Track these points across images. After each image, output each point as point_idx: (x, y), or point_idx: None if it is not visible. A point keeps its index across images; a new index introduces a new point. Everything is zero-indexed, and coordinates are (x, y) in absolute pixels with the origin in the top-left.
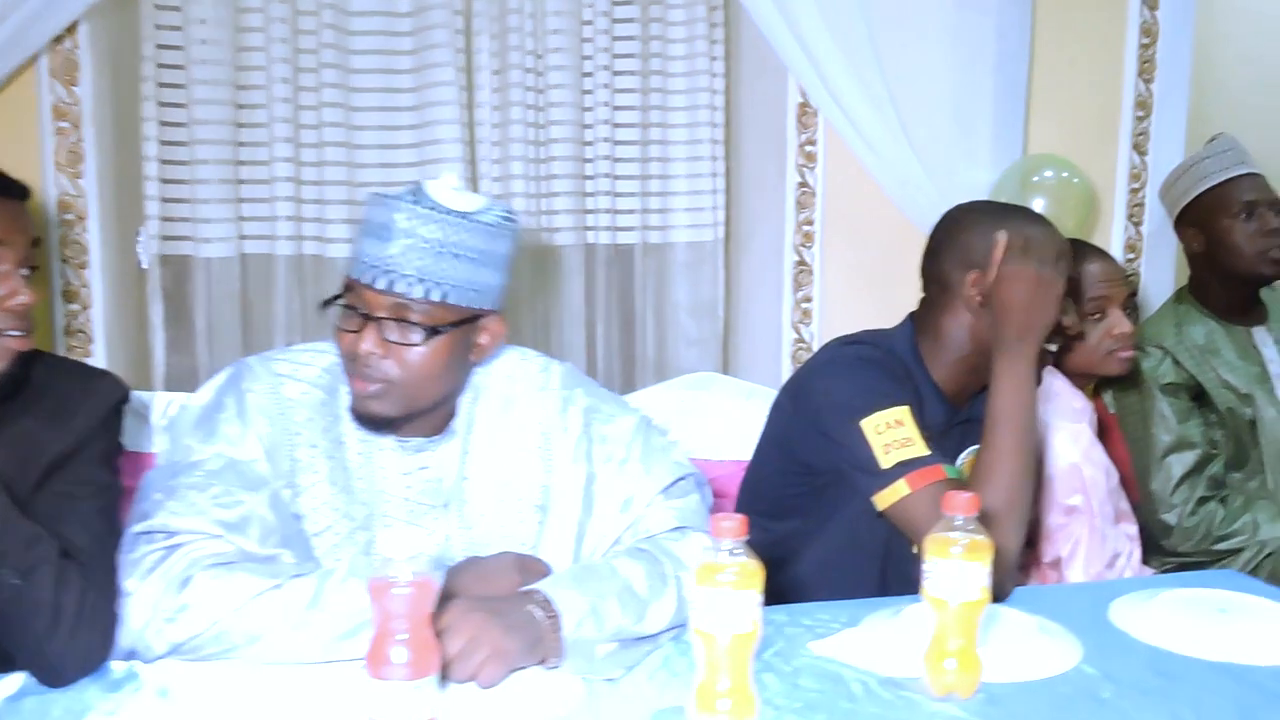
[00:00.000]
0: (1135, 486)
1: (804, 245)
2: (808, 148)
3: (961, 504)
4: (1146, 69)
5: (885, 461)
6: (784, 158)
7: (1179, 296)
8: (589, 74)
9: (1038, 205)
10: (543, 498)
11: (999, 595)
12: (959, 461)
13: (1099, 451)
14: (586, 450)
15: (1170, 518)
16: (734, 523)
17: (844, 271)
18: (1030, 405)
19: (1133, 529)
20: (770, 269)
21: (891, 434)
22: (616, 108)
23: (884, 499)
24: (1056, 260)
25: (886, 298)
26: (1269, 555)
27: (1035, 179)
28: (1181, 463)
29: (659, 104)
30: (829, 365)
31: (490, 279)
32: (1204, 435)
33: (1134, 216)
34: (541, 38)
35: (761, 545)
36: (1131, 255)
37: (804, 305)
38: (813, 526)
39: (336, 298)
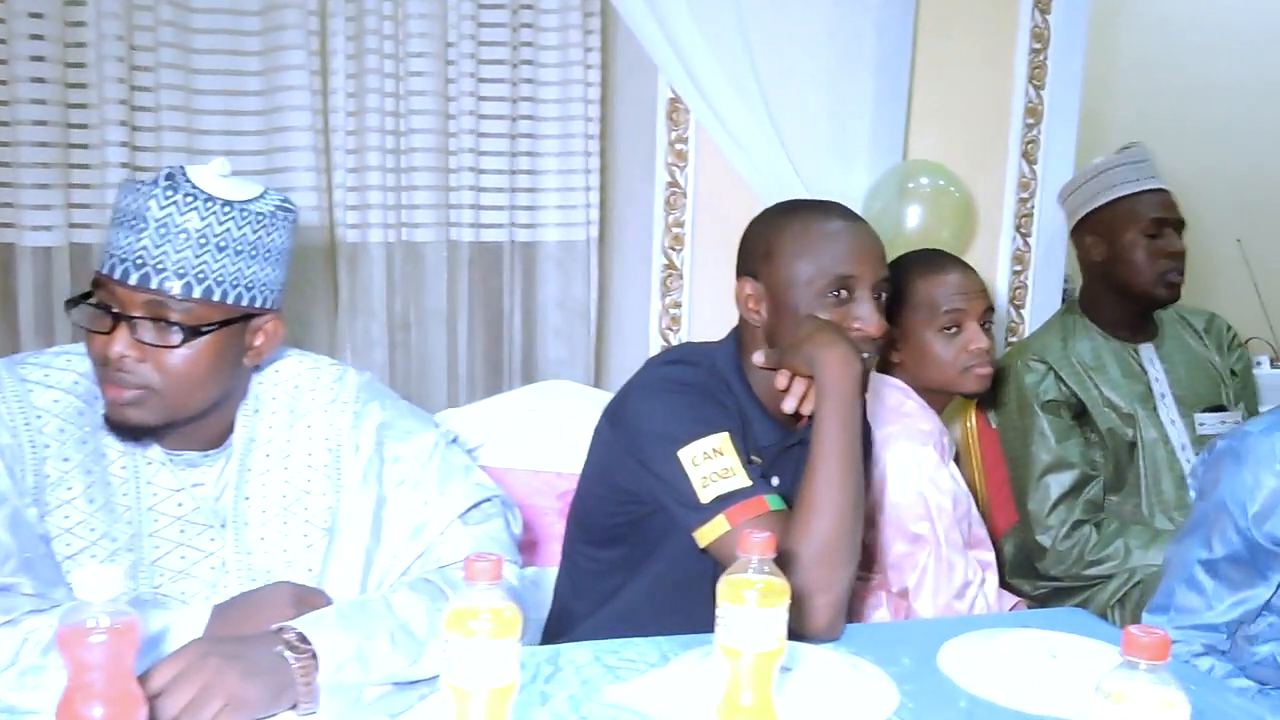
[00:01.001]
0: (1014, 505)
1: (673, 248)
2: (678, 146)
3: (757, 545)
4: (1037, 75)
5: (704, 495)
6: (653, 156)
7: (1068, 308)
8: (453, 62)
9: (914, 213)
10: (330, 521)
11: (830, 636)
12: None
13: (946, 475)
14: (377, 471)
15: (1045, 539)
16: (488, 564)
17: (714, 276)
18: (853, 440)
19: (988, 555)
20: (640, 272)
21: (710, 465)
22: (482, 98)
23: (704, 535)
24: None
25: None
26: (1137, 583)
27: (911, 185)
28: (1059, 483)
29: (529, 95)
30: (645, 389)
31: (264, 274)
32: (1084, 455)
33: (1022, 228)
34: (402, 22)
35: (588, 575)
36: (1019, 267)
37: (673, 311)
38: (640, 555)
39: (85, 296)
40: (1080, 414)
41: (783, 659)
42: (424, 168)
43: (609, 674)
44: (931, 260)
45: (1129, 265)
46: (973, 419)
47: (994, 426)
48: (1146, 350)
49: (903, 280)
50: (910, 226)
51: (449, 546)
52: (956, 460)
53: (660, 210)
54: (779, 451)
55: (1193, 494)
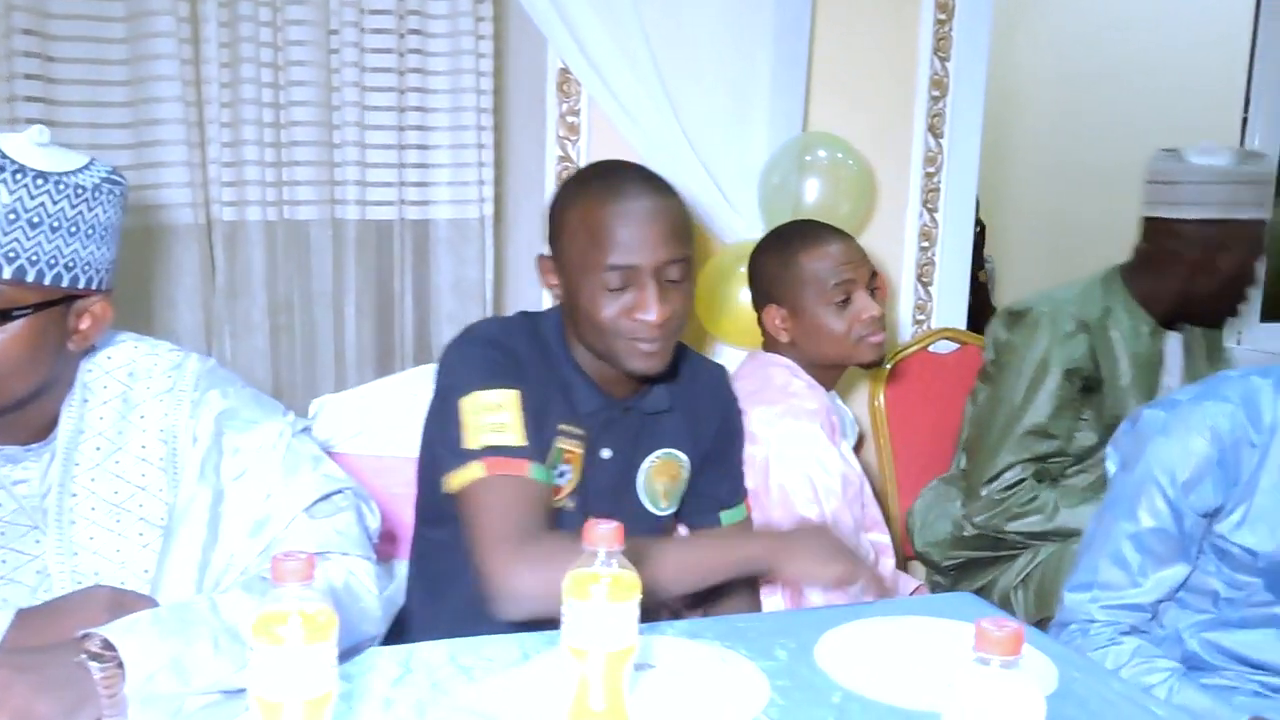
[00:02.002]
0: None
1: None
2: (569, 118)
3: (604, 536)
4: (942, 46)
5: (471, 441)
6: (544, 129)
7: (1113, 278)
8: (335, 31)
9: (812, 187)
10: (167, 519)
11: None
12: (646, 464)
13: (834, 455)
14: (215, 463)
15: (984, 489)
16: (298, 563)
17: None
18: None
19: (883, 538)
20: (533, 250)
21: (488, 416)
22: (367, 69)
23: (456, 479)
24: None
25: None
26: (1039, 564)
27: (809, 159)
28: (1030, 448)
29: (418, 66)
30: (450, 343)
31: (88, 253)
32: (1068, 432)
33: (929, 202)
34: None
35: (424, 558)
36: (926, 243)
37: None
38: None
39: None
40: (1089, 390)
41: (639, 656)
42: (306, 142)
43: (463, 675)
44: (809, 233)
45: (1221, 289)
46: (881, 396)
47: (990, 356)
48: (1173, 341)
49: (783, 256)
50: (809, 200)
51: (293, 541)
52: (862, 439)
53: (552, 186)
54: (606, 419)
55: (1112, 466)
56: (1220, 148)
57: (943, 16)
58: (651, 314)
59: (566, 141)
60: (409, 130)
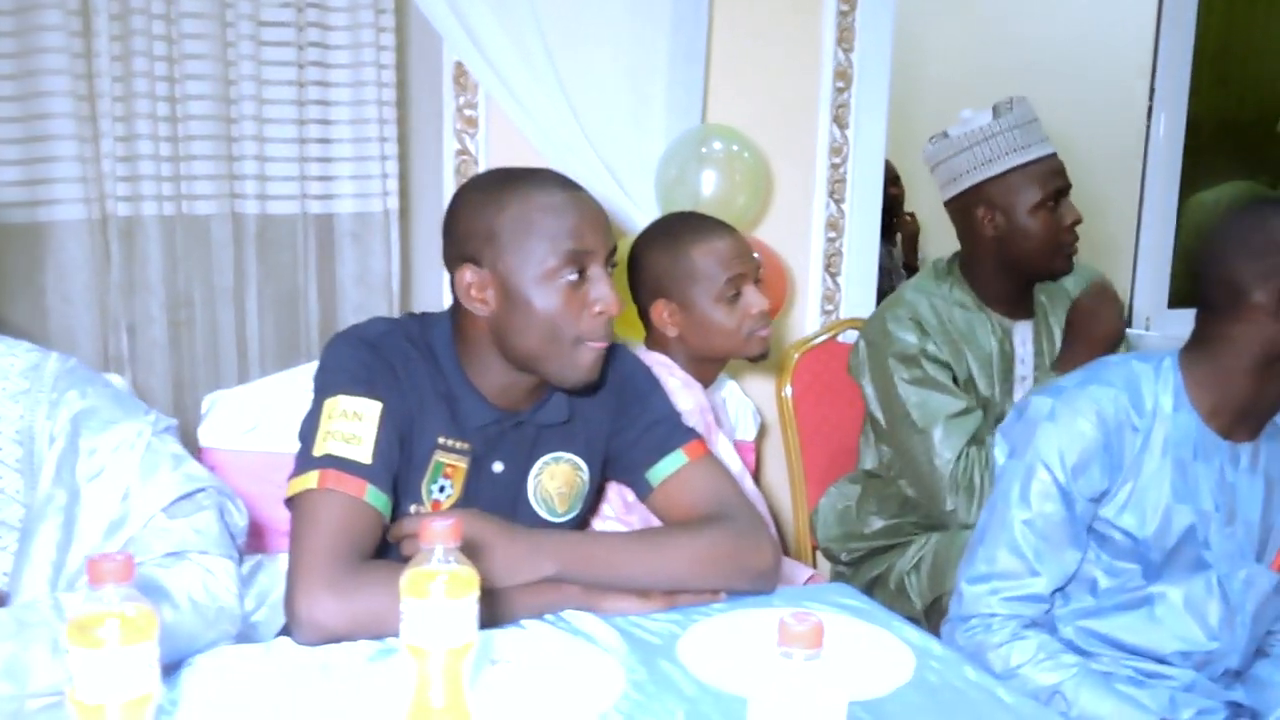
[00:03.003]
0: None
1: None
2: (467, 111)
3: (440, 533)
4: (846, 37)
5: (319, 448)
6: (442, 122)
7: (946, 270)
8: (231, 24)
9: (709, 179)
10: (24, 522)
11: None
12: (535, 472)
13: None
14: (72, 464)
15: (948, 494)
16: (115, 564)
17: None
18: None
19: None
20: (435, 244)
21: (344, 424)
22: (264, 63)
23: (292, 485)
24: None
25: None
26: (930, 549)
27: (704, 150)
28: (963, 429)
29: (318, 60)
30: (333, 339)
31: None
32: (970, 401)
33: (835, 193)
34: None
35: None
36: (834, 234)
37: None
38: None
39: None
40: (953, 378)
41: (493, 653)
42: (203, 136)
43: (321, 674)
44: (699, 227)
45: (1031, 240)
46: (789, 387)
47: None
48: (1022, 330)
49: (673, 251)
50: (706, 193)
51: (150, 541)
52: (764, 431)
53: (451, 179)
54: (497, 433)
55: (1001, 455)
56: (977, 112)
57: (845, 8)
58: (613, 303)
59: (465, 135)
60: (310, 124)
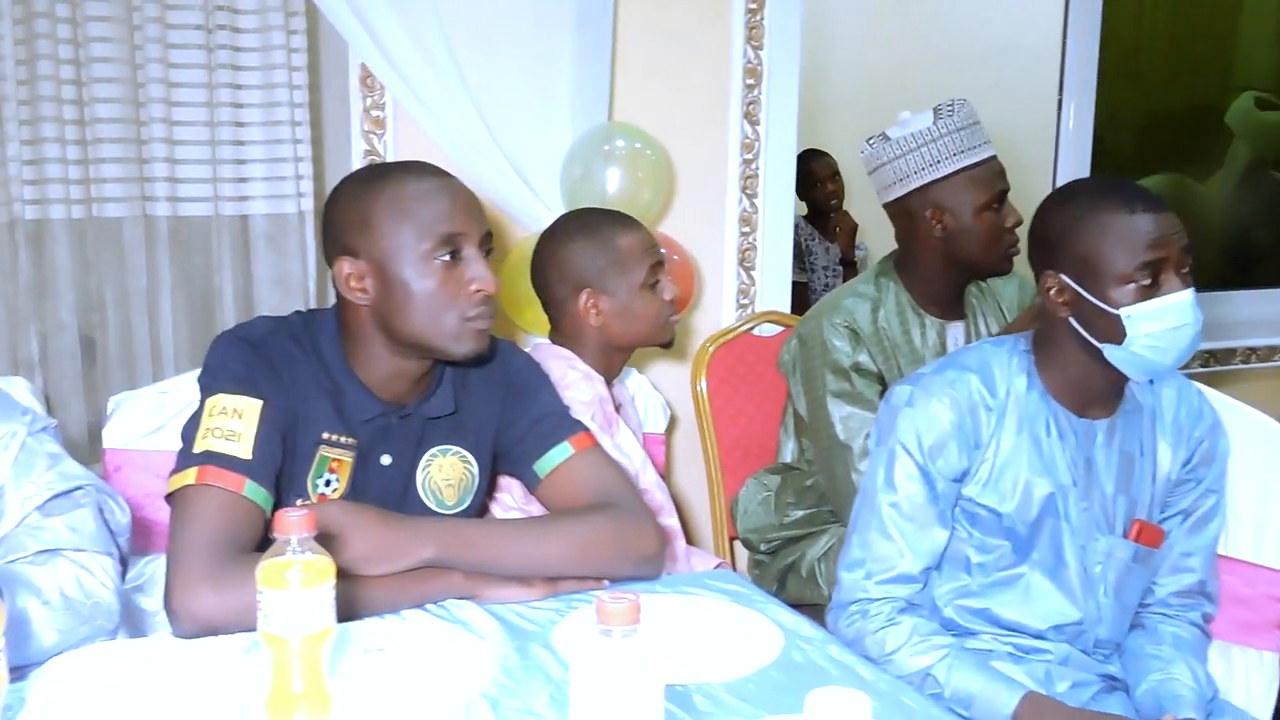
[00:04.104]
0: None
1: None
2: (374, 113)
3: (294, 524)
4: (755, 35)
5: (198, 445)
6: (349, 123)
7: (882, 270)
8: (139, 27)
9: (613, 176)
10: None
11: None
12: (423, 464)
13: (607, 444)
14: None
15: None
16: None
17: None
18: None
19: (670, 521)
20: None
21: (223, 422)
22: (173, 65)
23: (172, 482)
24: None
25: None
26: (837, 539)
27: (607, 148)
28: None
29: (228, 62)
30: (216, 339)
31: None
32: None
33: (748, 189)
34: None
35: None
36: (747, 229)
37: None
38: None
39: None
40: (882, 388)
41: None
42: (111, 139)
43: (197, 667)
44: (615, 219)
45: (977, 241)
46: (703, 381)
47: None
48: (955, 330)
49: (597, 242)
50: (611, 190)
51: (24, 539)
52: (674, 423)
53: None
54: (384, 426)
55: (871, 444)
56: (916, 115)
57: (754, 6)
58: (487, 281)
59: (372, 135)
60: (222, 125)
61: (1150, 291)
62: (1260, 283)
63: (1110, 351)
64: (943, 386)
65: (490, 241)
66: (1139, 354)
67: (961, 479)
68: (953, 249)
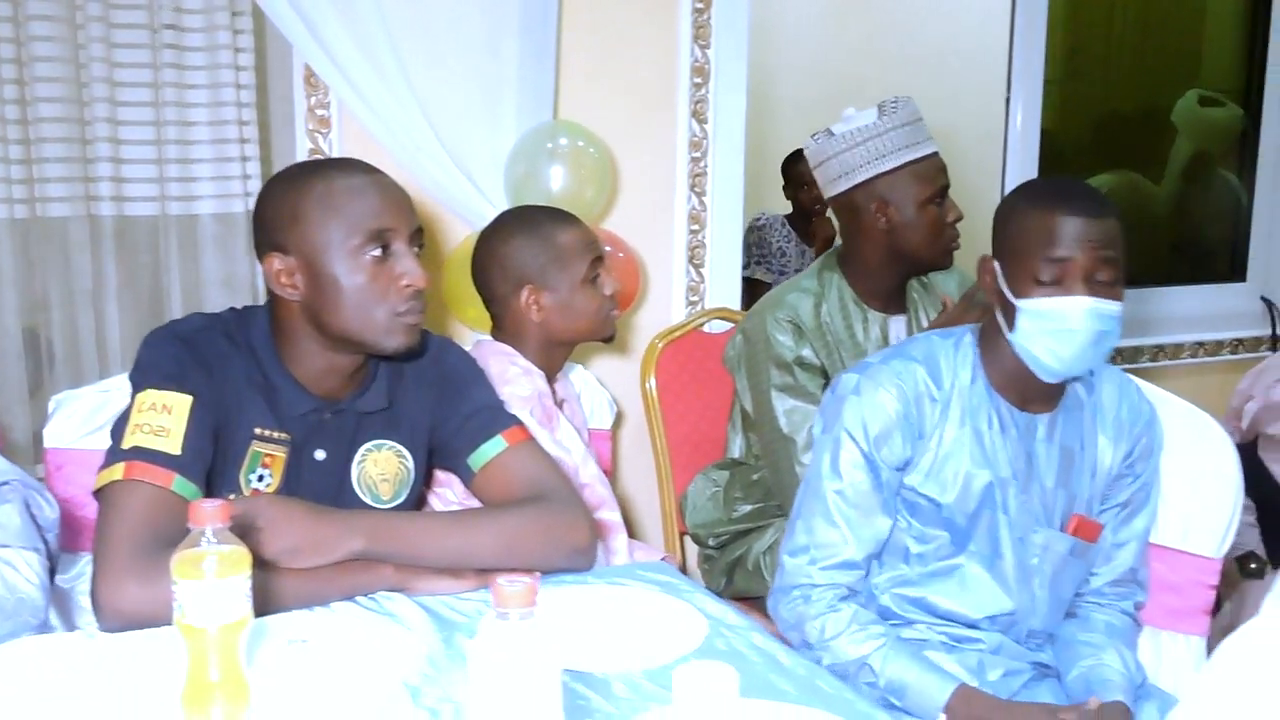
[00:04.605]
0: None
1: None
2: (319, 111)
3: (209, 514)
4: (702, 34)
5: (127, 441)
6: (295, 122)
7: (826, 265)
8: (81, 26)
9: (557, 174)
10: None
11: None
12: (358, 459)
13: (545, 439)
14: None
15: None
16: None
17: None
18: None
19: (612, 515)
20: None
21: (152, 417)
22: (117, 64)
23: (100, 477)
24: None
25: None
26: (779, 537)
27: (550, 146)
28: None
29: (174, 62)
30: (148, 335)
31: None
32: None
33: (696, 186)
34: None
35: None
36: (696, 226)
37: None
38: None
39: None
40: (825, 382)
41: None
42: (54, 139)
43: (123, 661)
44: (556, 216)
45: (919, 235)
46: (653, 378)
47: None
48: (897, 324)
49: (537, 237)
50: (555, 188)
51: None
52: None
53: None
54: (317, 421)
55: (817, 431)
56: (861, 111)
57: (700, 5)
58: (418, 276)
59: (317, 134)
60: (168, 124)
61: (1051, 290)
62: (1206, 278)
63: (1011, 341)
64: (889, 376)
65: (421, 238)
66: (1027, 349)
67: (904, 468)
68: (896, 242)
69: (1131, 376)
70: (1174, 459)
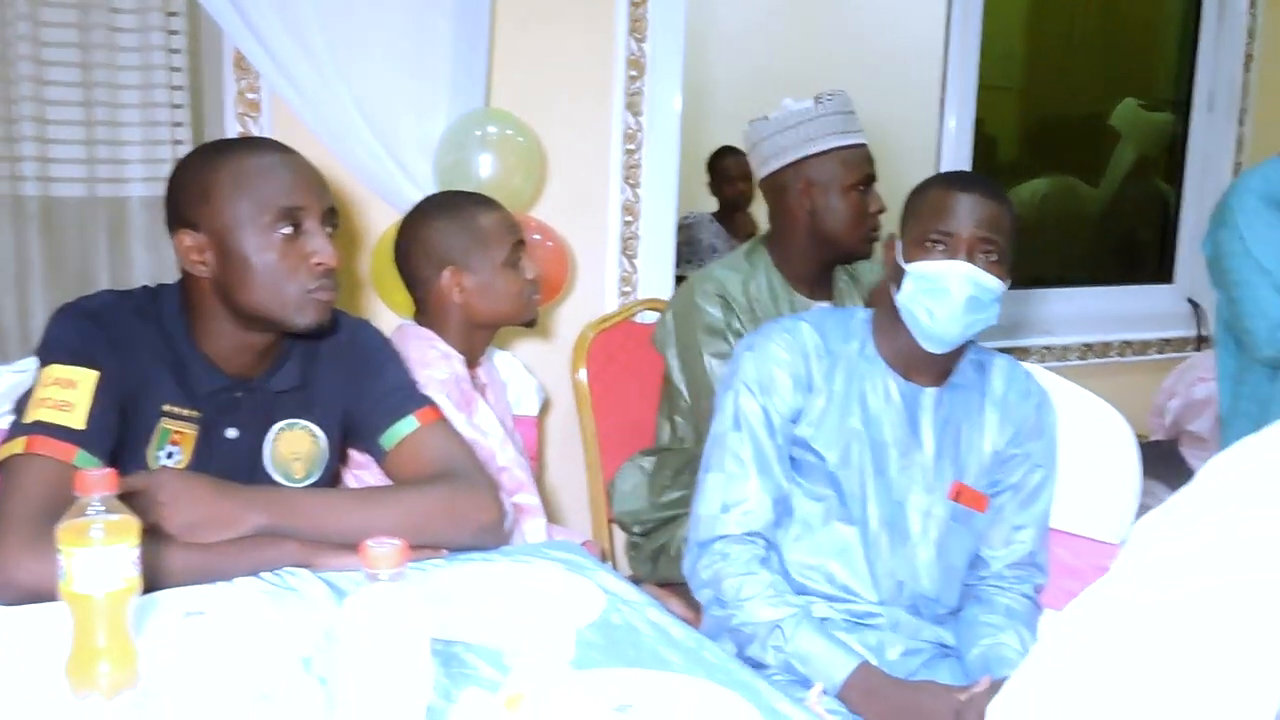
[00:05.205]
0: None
1: None
2: (249, 95)
3: (96, 482)
4: (638, 28)
5: (30, 415)
6: (224, 106)
7: (753, 248)
8: (8, 3)
9: (486, 162)
10: None
11: None
12: (270, 438)
13: (461, 422)
14: None
15: None
16: None
17: None
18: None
19: (530, 499)
20: None
21: (56, 392)
22: (44, 44)
23: (1, 451)
24: None
25: None
26: None
27: (479, 134)
28: None
29: (103, 42)
30: (56, 310)
31: None
32: None
33: (630, 178)
34: None
35: None
36: (630, 218)
37: None
38: None
39: None
40: None
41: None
42: None
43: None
44: (477, 200)
45: (840, 220)
46: (583, 369)
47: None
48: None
49: (459, 220)
50: (485, 175)
51: None
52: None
53: None
54: (229, 400)
55: (721, 390)
56: (798, 100)
57: (636, 0)
58: (329, 255)
59: (247, 118)
60: (97, 105)
61: (936, 256)
62: (1137, 279)
63: (898, 305)
64: (779, 333)
65: (335, 218)
66: (908, 309)
67: (797, 420)
68: (818, 225)
69: (1020, 363)
70: (1074, 446)
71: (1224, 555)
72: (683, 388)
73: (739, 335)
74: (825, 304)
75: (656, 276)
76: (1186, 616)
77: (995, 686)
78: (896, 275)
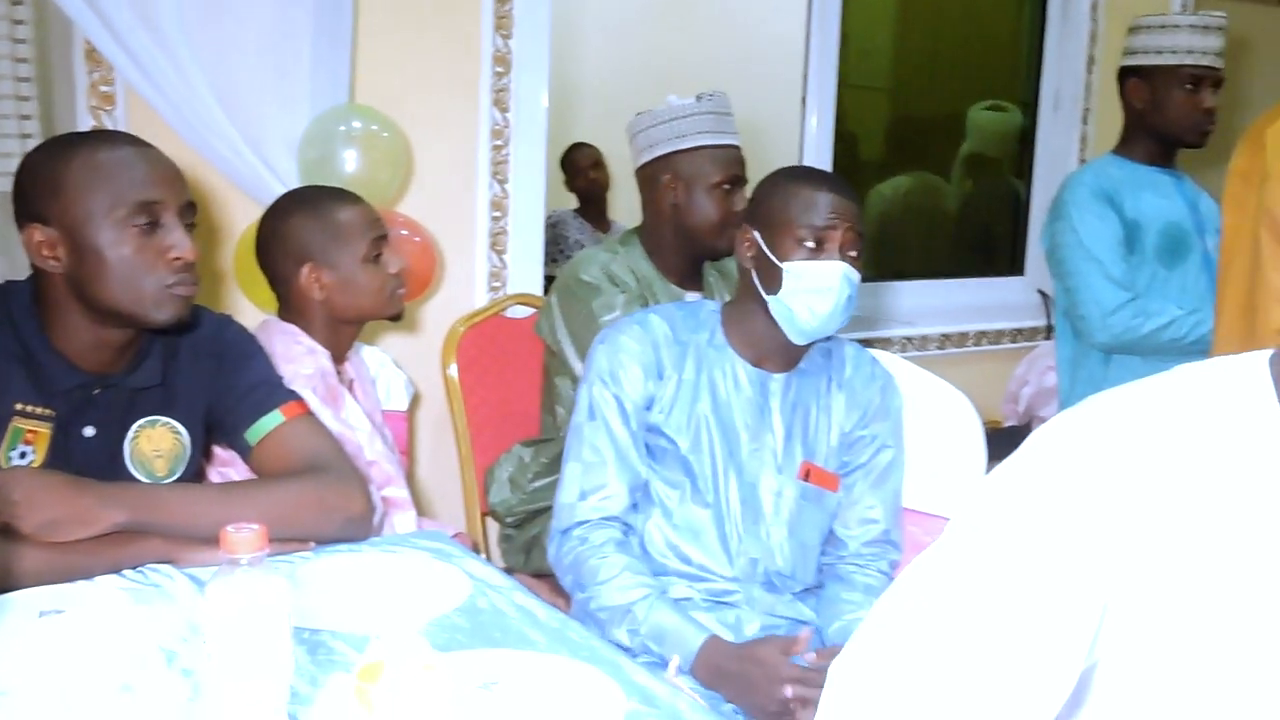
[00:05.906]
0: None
1: None
2: (102, 88)
3: None
4: (504, 24)
5: None
6: (76, 99)
7: (625, 240)
8: None
9: (350, 158)
10: None
11: None
12: (130, 435)
13: (328, 417)
14: None
15: None
16: None
17: None
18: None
19: (398, 493)
20: None
21: None
22: None
23: None
24: None
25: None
26: None
27: (343, 129)
28: None
29: None
30: None
31: None
32: None
33: (498, 174)
34: None
35: None
36: (498, 213)
37: None
38: None
39: None
40: None
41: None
42: None
43: None
44: (336, 195)
45: (703, 217)
46: (454, 363)
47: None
48: (692, 300)
49: (318, 216)
50: (349, 170)
51: None
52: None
53: None
54: (85, 398)
55: (579, 383)
56: (681, 98)
57: None
58: (186, 248)
59: (100, 112)
60: None
61: (811, 254)
62: (990, 272)
63: (771, 302)
64: (630, 325)
65: (193, 213)
66: (788, 306)
67: (650, 407)
68: (683, 219)
69: (866, 349)
70: (920, 427)
71: (1032, 515)
72: (577, 367)
73: (626, 307)
74: (696, 295)
75: (526, 272)
76: (1000, 570)
77: (830, 651)
78: (769, 273)
